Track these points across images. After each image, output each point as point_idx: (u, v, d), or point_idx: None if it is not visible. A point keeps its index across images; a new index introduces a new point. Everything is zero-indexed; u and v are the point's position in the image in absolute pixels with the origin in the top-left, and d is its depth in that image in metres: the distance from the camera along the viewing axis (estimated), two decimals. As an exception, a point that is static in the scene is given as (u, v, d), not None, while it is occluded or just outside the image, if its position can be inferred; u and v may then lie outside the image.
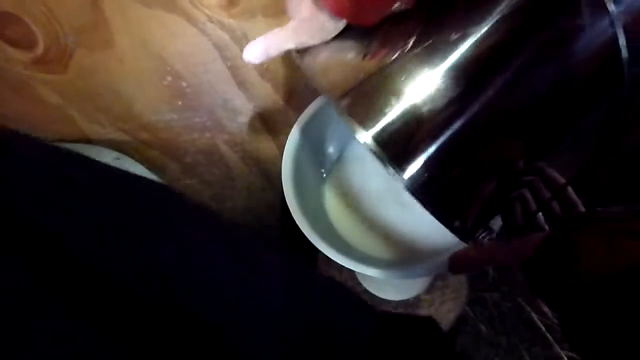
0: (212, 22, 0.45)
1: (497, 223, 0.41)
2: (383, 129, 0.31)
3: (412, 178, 0.31)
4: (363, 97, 0.32)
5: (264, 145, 0.63)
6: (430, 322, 0.39)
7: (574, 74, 0.33)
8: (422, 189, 0.32)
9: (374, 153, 0.31)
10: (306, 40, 0.35)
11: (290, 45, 0.35)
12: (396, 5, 0.32)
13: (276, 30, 0.35)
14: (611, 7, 0.27)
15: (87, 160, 0.24)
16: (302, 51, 0.36)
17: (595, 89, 0.34)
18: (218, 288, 0.25)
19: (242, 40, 0.47)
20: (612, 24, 0.28)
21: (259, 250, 0.30)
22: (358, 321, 0.33)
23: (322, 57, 0.35)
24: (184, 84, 0.51)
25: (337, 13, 0.32)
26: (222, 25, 0.46)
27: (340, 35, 0.35)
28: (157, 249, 0.23)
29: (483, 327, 0.75)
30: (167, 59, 0.48)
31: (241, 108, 0.56)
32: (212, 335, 0.24)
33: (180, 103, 0.53)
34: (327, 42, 0.35)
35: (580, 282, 0.29)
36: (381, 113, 0.32)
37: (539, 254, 0.32)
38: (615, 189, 0.55)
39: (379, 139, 0.31)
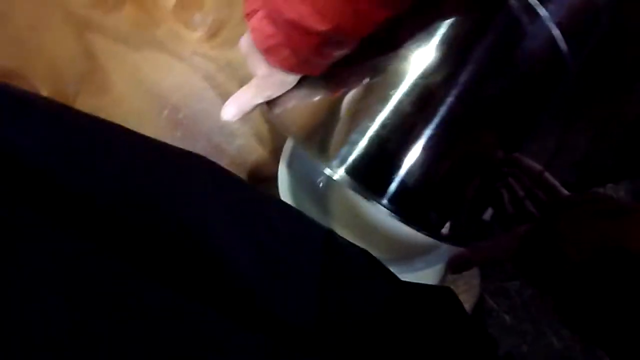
0: (197, 55, 0.48)
1: (487, 213, 0.42)
2: (354, 162, 0.33)
3: (391, 201, 0.33)
4: (331, 136, 0.34)
5: (264, 163, 0.65)
6: (448, 291, 0.39)
7: (525, 73, 0.34)
8: (403, 210, 0.33)
9: (350, 186, 0.32)
10: (270, 93, 0.37)
11: (258, 99, 0.38)
12: (339, 53, 0.34)
13: (243, 88, 0.38)
14: (542, 11, 0.29)
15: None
16: (271, 103, 0.38)
17: (546, 81, 0.36)
18: (246, 232, 0.28)
19: (226, 68, 0.50)
20: (546, 24, 0.29)
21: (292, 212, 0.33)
22: (376, 281, 0.33)
23: (290, 106, 0.37)
24: (181, 115, 0.54)
25: (287, 69, 0.34)
26: (206, 57, 0.49)
27: (302, 83, 0.37)
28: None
29: (507, 317, 0.74)
30: (161, 95, 0.51)
31: (237, 131, 0.59)
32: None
33: (179, 134, 0.55)
34: (291, 91, 0.37)
35: (563, 267, 0.29)
36: (350, 147, 0.33)
37: (524, 246, 0.33)
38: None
39: (352, 173, 0.32)
